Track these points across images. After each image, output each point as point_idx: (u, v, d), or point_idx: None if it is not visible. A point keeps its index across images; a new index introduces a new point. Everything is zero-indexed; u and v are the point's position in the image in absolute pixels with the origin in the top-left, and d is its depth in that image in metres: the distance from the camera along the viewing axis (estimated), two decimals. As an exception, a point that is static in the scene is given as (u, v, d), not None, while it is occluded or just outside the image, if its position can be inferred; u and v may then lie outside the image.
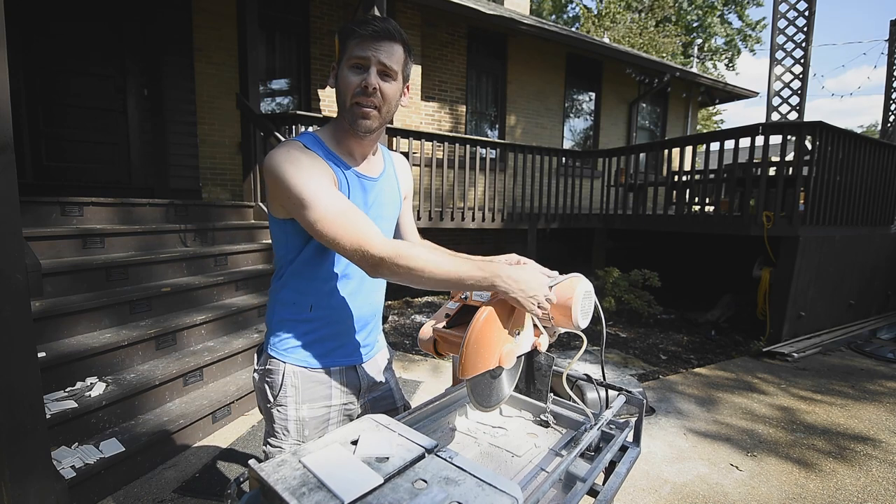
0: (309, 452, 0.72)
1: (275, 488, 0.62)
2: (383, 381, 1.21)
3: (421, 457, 0.72)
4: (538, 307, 0.89)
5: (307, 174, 0.90)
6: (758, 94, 9.84)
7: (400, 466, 0.69)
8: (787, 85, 6.17)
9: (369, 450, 0.73)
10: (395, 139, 4.82)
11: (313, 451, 0.72)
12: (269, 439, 1.09)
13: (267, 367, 1.09)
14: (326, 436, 0.78)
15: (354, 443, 0.75)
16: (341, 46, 0.97)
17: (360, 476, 0.66)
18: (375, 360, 1.20)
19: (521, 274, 0.89)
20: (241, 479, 0.71)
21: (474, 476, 0.68)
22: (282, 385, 1.06)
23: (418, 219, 4.89)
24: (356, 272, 1.08)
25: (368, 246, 0.87)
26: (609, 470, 0.97)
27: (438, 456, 0.73)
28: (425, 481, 0.67)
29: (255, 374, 1.12)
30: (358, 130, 0.98)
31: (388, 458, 0.71)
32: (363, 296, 1.11)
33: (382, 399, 1.21)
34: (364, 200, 1.05)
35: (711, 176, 5.11)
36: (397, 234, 1.28)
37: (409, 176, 1.25)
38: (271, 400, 1.08)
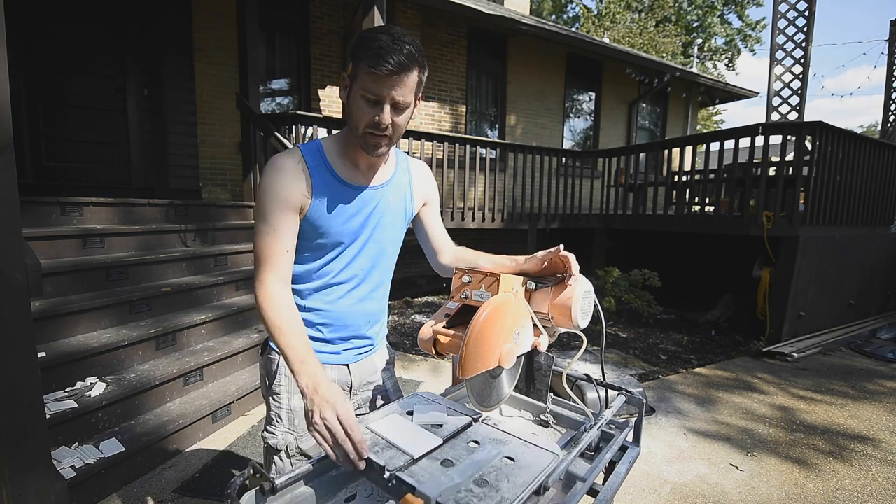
0: (373, 421, 0.83)
1: None
2: (378, 381, 1.23)
3: (470, 424, 0.84)
4: (310, 425, 0.79)
5: (276, 193, 0.98)
6: (758, 94, 9.84)
7: (454, 431, 0.81)
8: (787, 85, 6.17)
9: (424, 419, 0.85)
10: (395, 139, 4.82)
11: (376, 419, 0.84)
12: (266, 426, 1.14)
13: (267, 356, 1.14)
14: (384, 407, 0.90)
15: (410, 413, 0.87)
16: (353, 68, 0.94)
17: (423, 438, 0.77)
18: (371, 359, 1.21)
19: (322, 392, 0.81)
20: (242, 479, 0.71)
21: (519, 438, 0.80)
22: (276, 374, 1.12)
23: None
24: (348, 277, 1.11)
25: (259, 283, 0.98)
26: (609, 470, 0.96)
27: (485, 423, 0.86)
28: (477, 442, 0.78)
29: (259, 363, 1.19)
30: (372, 155, 1.02)
31: (441, 426, 0.83)
32: (355, 303, 1.13)
33: (378, 398, 1.22)
34: (356, 210, 1.07)
35: (711, 176, 5.11)
36: (427, 244, 1.26)
37: (428, 182, 1.23)
38: (269, 387, 1.13)
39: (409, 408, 0.88)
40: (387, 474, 0.68)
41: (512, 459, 0.74)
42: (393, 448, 0.73)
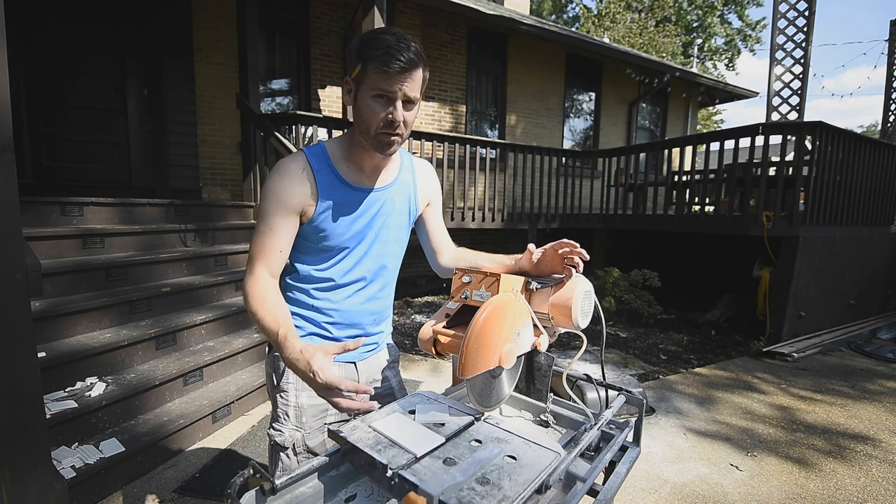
0: (375, 420, 0.84)
1: (357, 445, 0.75)
2: (384, 378, 1.24)
3: (471, 423, 0.85)
4: (313, 381, 0.82)
5: (277, 195, 1.01)
6: (758, 94, 9.84)
7: (456, 430, 0.82)
8: (787, 85, 6.17)
9: (427, 417, 0.86)
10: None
11: (378, 418, 0.84)
12: (273, 423, 1.14)
13: (273, 354, 1.15)
14: (386, 406, 0.90)
15: (412, 412, 0.88)
16: (361, 69, 0.95)
17: (425, 437, 0.78)
18: (377, 357, 1.23)
19: (300, 363, 0.84)
20: (242, 479, 0.71)
21: (521, 437, 0.80)
22: (284, 371, 1.12)
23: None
24: (355, 278, 1.12)
25: (248, 274, 1.00)
26: (609, 470, 0.96)
27: (487, 422, 0.87)
28: (479, 441, 0.79)
29: (266, 361, 1.20)
30: (384, 155, 1.02)
31: (444, 424, 0.84)
32: (362, 302, 1.15)
33: (382, 396, 1.23)
34: (362, 212, 1.08)
35: (711, 176, 5.11)
36: (427, 243, 1.27)
37: (432, 182, 1.24)
38: (275, 385, 1.13)
39: (412, 407, 0.89)
40: (389, 472, 0.69)
41: (514, 458, 0.74)
42: (395, 447, 0.74)
